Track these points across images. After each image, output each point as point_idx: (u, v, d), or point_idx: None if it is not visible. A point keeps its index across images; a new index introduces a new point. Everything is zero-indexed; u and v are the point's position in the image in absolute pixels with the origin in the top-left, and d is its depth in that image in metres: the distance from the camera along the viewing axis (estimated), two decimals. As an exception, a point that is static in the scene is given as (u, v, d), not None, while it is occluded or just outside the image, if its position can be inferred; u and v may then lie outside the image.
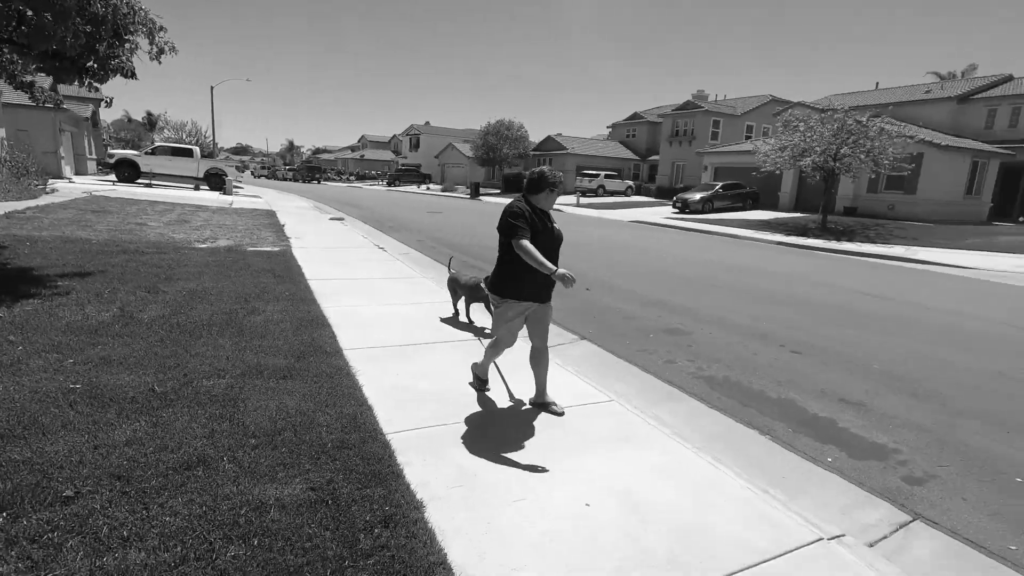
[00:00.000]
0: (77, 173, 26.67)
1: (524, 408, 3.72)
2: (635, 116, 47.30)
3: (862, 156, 18.88)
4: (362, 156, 79.33)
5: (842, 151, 19.09)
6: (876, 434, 3.87)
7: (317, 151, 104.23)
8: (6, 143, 18.10)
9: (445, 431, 3.28)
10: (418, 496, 2.54)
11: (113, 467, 2.46)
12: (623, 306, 7.22)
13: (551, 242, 3.40)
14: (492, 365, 4.04)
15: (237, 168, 31.10)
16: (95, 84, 6.39)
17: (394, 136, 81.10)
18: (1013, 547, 2.70)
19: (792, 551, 2.42)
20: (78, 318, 4.58)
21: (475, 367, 3.99)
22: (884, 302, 8.58)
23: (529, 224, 3.26)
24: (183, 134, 56.46)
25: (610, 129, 50.18)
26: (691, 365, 5.10)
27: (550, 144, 44.85)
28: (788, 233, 19.31)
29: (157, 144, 28.55)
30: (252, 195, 24.06)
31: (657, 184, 39.26)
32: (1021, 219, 24.99)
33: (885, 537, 2.75)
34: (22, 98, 9.66)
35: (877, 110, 22.00)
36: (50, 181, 18.13)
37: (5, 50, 6.18)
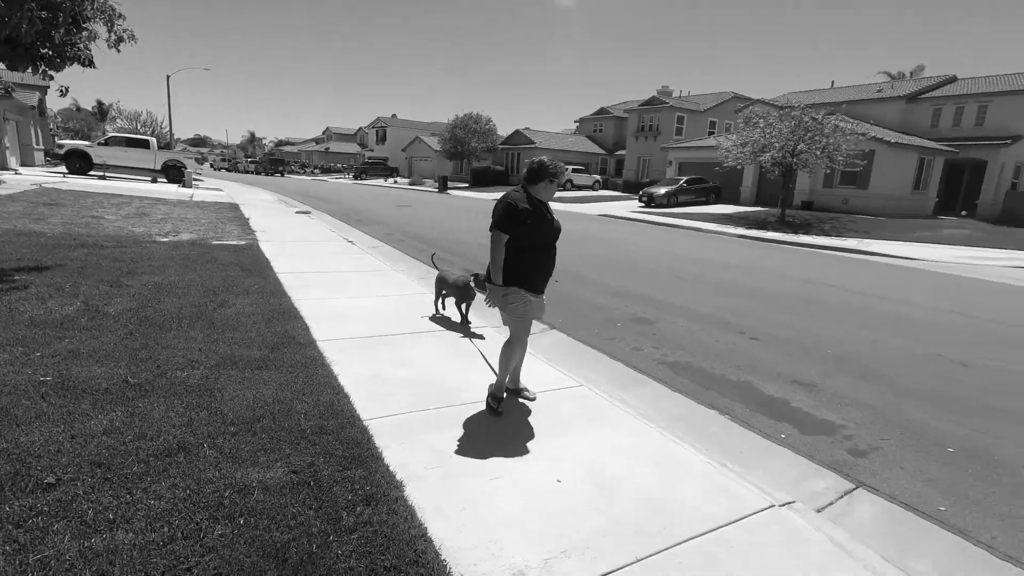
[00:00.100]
0: (24, 164, 25.46)
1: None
2: (602, 111, 47.83)
3: (818, 152, 19.64)
4: (327, 149, 77.91)
5: (799, 147, 19.81)
6: (826, 412, 4.15)
7: (280, 143, 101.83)
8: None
9: (421, 416, 3.38)
10: (398, 477, 2.64)
11: (92, 455, 2.49)
12: (592, 297, 7.41)
13: (549, 234, 3.37)
14: (502, 370, 3.58)
15: (196, 160, 30.18)
16: (50, 72, 6.18)
17: (360, 129, 79.77)
18: (943, 508, 2.98)
19: (747, 517, 2.62)
20: (40, 312, 4.48)
21: (492, 388, 3.63)
22: (837, 292, 9.03)
23: (520, 217, 3.21)
24: (138, 124, 54.24)
25: (577, 124, 50.58)
26: (656, 352, 5.32)
27: (518, 138, 44.95)
28: (749, 227, 19.95)
29: (110, 135, 27.42)
30: (213, 188, 23.43)
31: (624, 178, 39.85)
32: (963, 213, 26.41)
33: (831, 503, 2.99)
34: (-35, 85, 9.21)
35: (832, 108, 22.91)
36: (-5, 172, 17.28)
37: (-47, 36, 5.92)
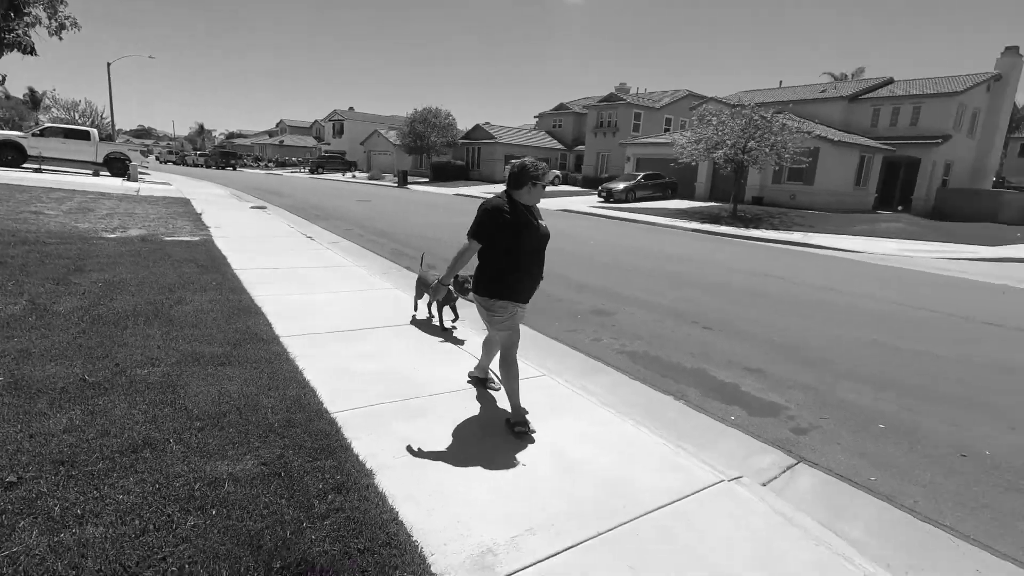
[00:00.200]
0: (-51, 156, 23.74)
1: (463, 387, 3.95)
2: (561, 107, 48.22)
3: (767, 150, 20.46)
4: (281, 142, 75.65)
5: (750, 144, 20.58)
6: (772, 395, 4.43)
7: (231, 136, 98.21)
8: None
9: (389, 408, 3.44)
10: (368, 466, 2.71)
11: (54, 454, 2.45)
12: (553, 290, 7.58)
13: (534, 240, 3.20)
14: (510, 394, 3.39)
15: (142, 153, 28.85)
16: (-14, 59, 5.86)
17: (316, 121, 77.89)
18: (873, 478, 3.26)
19: (699, 491, 2.81)
20: (-17, 312, 4.29)
21: (510, 416, 3.39)
22: (785, 283, 9.51)
23: (500, 224, 3.07)
24: (75, 114, 51.26)
25: (537, 119, 50.84)
26: (615, 342, 5.52)
27: (479, 133, 44.86)
28: (703, 221, 20.61)
29: (47, 125, 25.85)
30: (161, 182, 22.48)
31: (583, 174, 40.37)
32: (900, 208, 27.97)
33: (775, 477, 3.23)
34: None
35: (780, 107, 23.88)
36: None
37: None
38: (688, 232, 18.40)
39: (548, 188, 3.28)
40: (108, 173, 22.45)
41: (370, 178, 44.45)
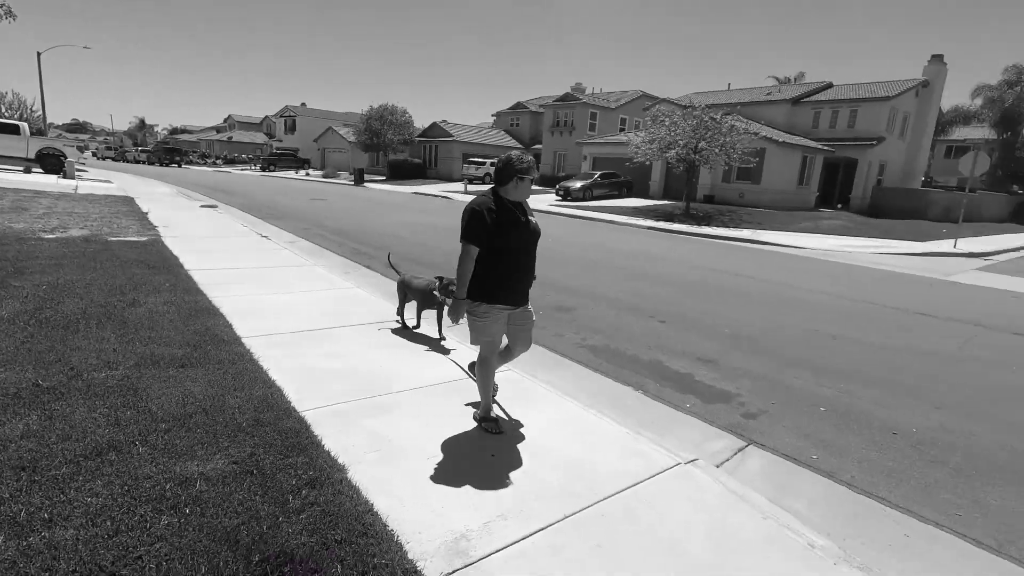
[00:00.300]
0: None
1: (430, 383, 4.01)
2: (519, 105, 48.44)
3: (717, 150, 21.22)
4: (230, 138, 73.02)
5: (700, 145, 21.30)
6: (724, 383, 4.68)
7: (175, 131, 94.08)
8: None
9: (356, 406, 3.48)
10: (339, 460, 2.76)
11: (13, 459, 2.39)
12: (514, 287, 7.70)
13: (522, 238, 3.09)
14: (483, 392, 3.36)
15: (79, 148, 27.32)
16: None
17: (267, 117, 75.46)
18: (815, 456, 3.53)
19: (658, 474, 2.99)
20: (-83, 317, 4.07)
21: (478, 412, 3.42)
22: (734, 277, 9.95)
23: (485, 222, 2.93)
24: (2, 106, 47.96)
25: (495, 117, 50.93)
26: (576, 337, 5.69)
27: (436, 131, 44.58)
28: (657, 219, 21.19)
29: (-30, 118, 24.16)
30: (101, 179, 21.40)
31: (540, 172, 40.72)
32: (839, 206, 29.51)
33: (728, 459, 3.45)
34: None
35: (729, 108, 24.78)
36: None
37: None
38: (644, 230, 18.89)
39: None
40: (41, 170, 21.20)
41: (325, 176, 43.49)
